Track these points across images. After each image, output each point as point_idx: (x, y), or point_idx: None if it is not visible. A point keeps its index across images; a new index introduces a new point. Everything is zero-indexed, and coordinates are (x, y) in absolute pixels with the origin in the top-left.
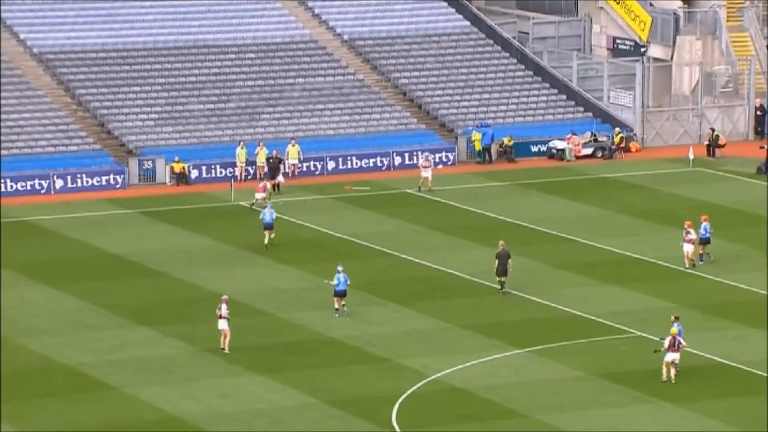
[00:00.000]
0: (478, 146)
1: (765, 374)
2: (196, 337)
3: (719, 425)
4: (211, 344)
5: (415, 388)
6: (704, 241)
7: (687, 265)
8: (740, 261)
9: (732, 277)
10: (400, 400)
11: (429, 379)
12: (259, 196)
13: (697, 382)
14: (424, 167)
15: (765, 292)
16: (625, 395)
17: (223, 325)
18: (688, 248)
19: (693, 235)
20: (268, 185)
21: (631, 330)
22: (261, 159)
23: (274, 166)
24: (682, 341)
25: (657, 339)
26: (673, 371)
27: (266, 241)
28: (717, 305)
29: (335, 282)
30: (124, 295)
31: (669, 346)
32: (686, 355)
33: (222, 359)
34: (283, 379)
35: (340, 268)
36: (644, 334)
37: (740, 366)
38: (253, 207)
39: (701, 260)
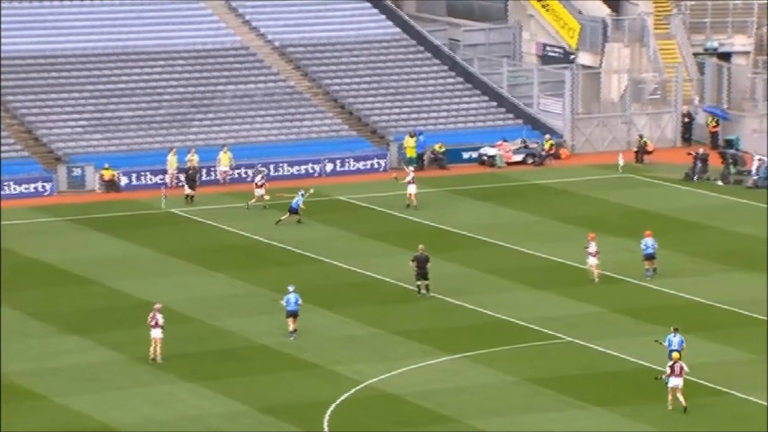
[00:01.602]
0: (410, 153)
1: (692, 378)
2: (128, 346)
3: (649, 429)
4: (142, 352)
5: (347, 394)
6: (648, 257)
7: (594, 278)
8: (669, 266)
9: (660, 283)
10: (332, 407)
11: (362, 385)
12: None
13: (628, 386)
14: (409, 183)
15: (693, 298)
16: (556, 400)
17: (156, 333)
18: (592, 261)
19: (593, 249)
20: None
21: (561, 335)
22: (192, 166)
23: (192, 176)
24: (684, 367)
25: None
26: (680, 397)
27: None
28: (646, 310)
29: (284, 302)
30: (55, 304)
31: (670, 371)
32: (616, 360)
33: (153, 367)
34: (215, 387)
35: (291, 288)
36: (574, 339)
37: (667, 370)
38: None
39: (648, 275)
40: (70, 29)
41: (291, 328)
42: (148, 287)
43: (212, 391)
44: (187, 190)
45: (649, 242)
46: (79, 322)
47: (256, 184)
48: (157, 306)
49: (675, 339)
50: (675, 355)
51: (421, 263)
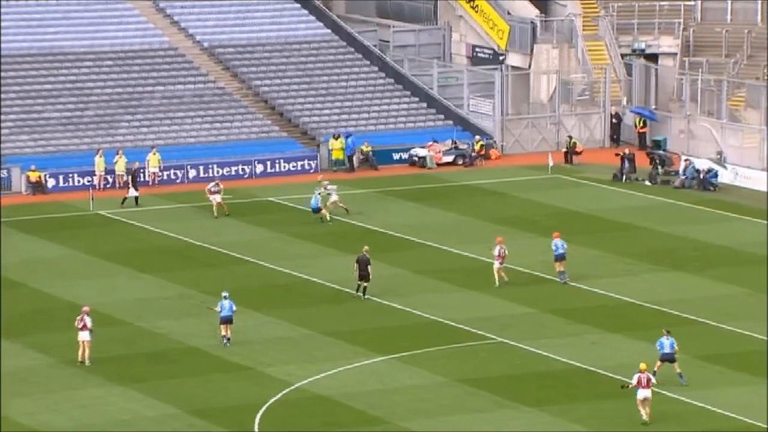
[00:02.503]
0: (336, 155)
1: (623, 378)
2: (56, 348)
3: (580, 428)
4: (71, 355)
5: (278, 396)
6: (559, 258)
7: (496, 283)
8: (598, 266)
9: (589, 283)
10: (263, 409)
11: (292, 387)
12: (217, 198)
13: (558, 386)
14: (213, 193)
15: (623, 298)
16: (488, 400)
17: (84, 336)
18: (495, 264)
19: (497, 251)
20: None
21: (492, 336)
22: (120, 167)
23: (134, 177)
24: (652, 378)
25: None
26: (647, 409)
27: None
28: (575, 310)
29: (218, 308)
30: None
31: (637, 382)
32: (547, 361)
33: (82, 370)
34: (145, 390)
35: (225, 294)
36: (505, 340)
37: (599, 370)
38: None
39: (560, 278)
40: None
41: (224, 333)
42: (76, 289)
43: (142, 393)
44: (133, 192)
45: (558, 243)
46: (5, 325)
47: (209, 191)
48: (86, 309)
49: (667, 342)
50: (642, 366)
51: (363, 265)
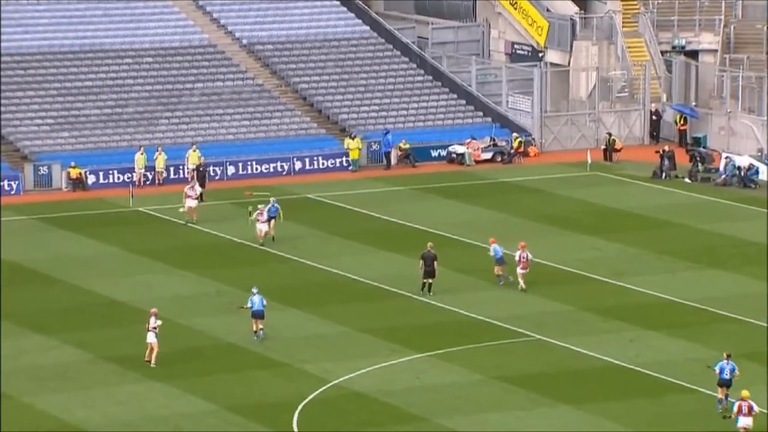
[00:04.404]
0: (353, 155)
1: (660, 375)
2: (94, 345)
3: (617, 426)
4: (109, 352)
5: (315, 393)
6: (499, 261)
7: (522, 286)
8: (637, 264)
9: (628, 280)
10: (300, 406)
11: (330, 384)
12: (191, 204)
13: (595, 383)
14: (189, 197)
15: (661, 296)
16: (524, 398)
17: (151, 338)
18: (518, 270)
19: (518, 256)
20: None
21: (529, 333)
22: (160, 164)
23: (202, 174)
24: (754, 406)
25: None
26: None
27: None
28: (613, 308)
29: (249, 305)
30: (20, 303)
31: (738, 410)
32: (584, 358)
33: (120, 366)
34: (182, 386)
35: (254, 290)
36: (542, 337)
37: (636, 368)
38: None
39: (500, 281)
40: (36, 27)
41: (255, 328)
42: (114, 286)
43: (180, 390)
44: (198, 189)
45: (496, 248)
46: (44, 321)
47: (185, 193)
48: (153, 311)
49: (727, 367)
50: (745, 393)
51: (429, 261)
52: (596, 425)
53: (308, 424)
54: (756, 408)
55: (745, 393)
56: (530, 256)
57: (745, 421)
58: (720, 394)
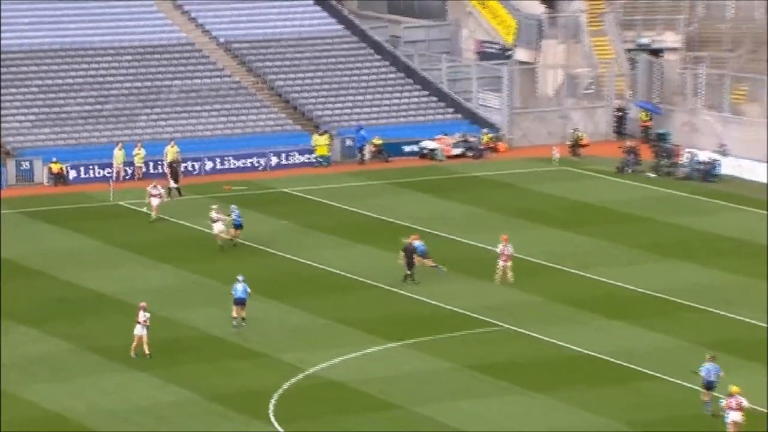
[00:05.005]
0: (320, 150)
1: (627, 364)
2: (79, 336)
3: (586, 413)
4: (93, 343)
5: (293, 381)
6: (422, 254)
7: (496, 280)
8: (604, 256)
9: (596, 272)
10: (278, 394)
11: (307, 373)
12: (156, 201)
13: (564, 372)
14: (152, 195)
15: (628, 287)
16: (495, 386)
17: (138, 330)
18: (500, 263)
19: (500, 249)
20: (162, 190)
21: (501, 323)
22: (139, 159)
23: (175, 169)
24: (743, 401)
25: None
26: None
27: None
28: (582, 299)
29: (232, 291)
30: (5, 296)
31: (727, 405)
32: (553, 347)
33: (104, 357)
34: (164, 376)
35: (239, 277)
36: (512, 327)
37: (604, 357)
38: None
39: (439, 270)
40: (18, 26)
41: (237, 315)
42: (98, 279)
43: (162, 380)
44: (172, 184)
45: (418, 243)
46: (29, 312)
47: (149, 192)
48: (142, 304)
49: (713, 370)
50: (734, 389)
51: (409, 254)
52: (566, 412)
53: (286, 411)
54: (745, 403)
55: (734, 389)
56: (511, 249)
57: (734, 416)
58: (705, 397)
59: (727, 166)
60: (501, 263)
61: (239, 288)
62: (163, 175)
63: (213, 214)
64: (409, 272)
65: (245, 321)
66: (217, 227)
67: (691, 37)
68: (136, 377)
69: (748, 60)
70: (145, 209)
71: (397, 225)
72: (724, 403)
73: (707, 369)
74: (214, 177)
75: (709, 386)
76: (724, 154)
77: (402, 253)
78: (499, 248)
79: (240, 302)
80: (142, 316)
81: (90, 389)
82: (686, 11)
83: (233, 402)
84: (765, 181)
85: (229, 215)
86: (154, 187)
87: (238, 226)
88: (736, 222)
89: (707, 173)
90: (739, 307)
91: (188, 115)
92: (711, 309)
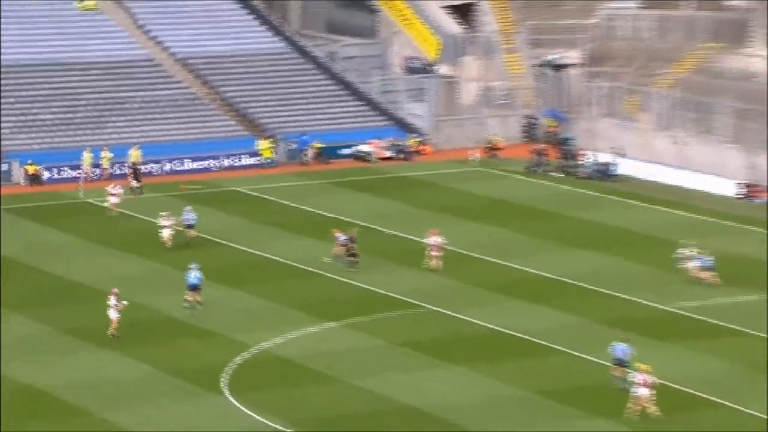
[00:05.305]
0: (265, 153)
1: (540, 341)
2: (55, 319)
3: (503, 385)
4: (68, 325)
5: (244, 358)
6: (346, 242)
7: (426, 264)
8: (517, 246)
9: (510, 260)
10: (231, 369)
11: (256, 350)
12: (114, 200)
13: (484, 348)
14: (112, 194)
15: (540, 273)
16: (424, 360)
17: (113, 314)
18: (432, 253)
19: (431, 241)
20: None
21: (428, 305)
22: (105, 162)
23: (136, 171)
24: (652, 378)
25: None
26: (652, 406)
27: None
28: (499, 284)
29: (186, 277)
30: None
31: (639, 381)
32: (473, 326)
33: (77, 338)
34: (130, 354)
35: (193, 265)
36: (438, 309)
37: (519, 335)
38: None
39: (343, 263)
40: None
41: (191, 299)
42: (69, 268)
43: (129, 357)
44: (134, 183)
45: (341, 237)
46: (9, 299)
47: (109, 192)
48: (114, 291)
49: (626, 349)
50: (644, 366)
51: (350, 243)
52: (485, 383)
53: (237, 384)
54: (654, 380)
55: (644, 366)
56: (440, 240)
57: (642, 392)
58: (616, 372)
59: (623, 167)
60: (432, 254)
61: (192, 275)
62: (126, 175)
63: (161, 221)
64: (351, 260)
65: (201, 304)
66: (166, 233)
67: (590, 55)
68: (106, 355)
69: (639, 74)
70: (111, 204)
71: (335, 220)
72: (637, 379)
73: (619, 348)
74: (172, 177)
75: (620, 363)
76: (620, 156)
77: (349, 245)
78: (430, 240)
79: (193, 288)
80: (114, 300)
81: (65, 367)
82: (586, 32)
83: (191, 376)
84: (656, 180)
85: (184, 216)
86: (114, 187)
87: (190, 227)
88: (631, 215)
89: (605, 173)
90: (633, 290)
91: (149, 122)
92: (610, 291)
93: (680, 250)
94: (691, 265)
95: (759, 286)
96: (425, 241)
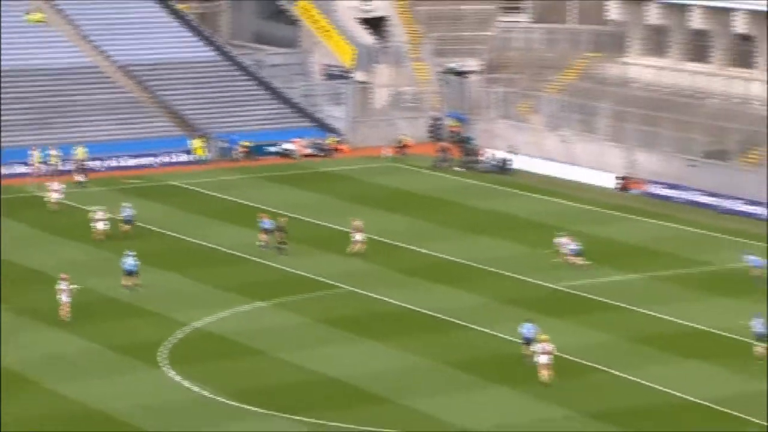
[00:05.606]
0: (197, 152)
1: (445, 317)
2: (11, 303)
3: (412, 356)
4: (21, 305)
5: (181, 335)
6: (266, 231)
7: (350, 249)
8: (424, 233)
9: (419, 245)
10: (170, 344)
11: (193, 327)
12: (55, 196)
13: (395, 324)
14: (53, 191)
15: (443, 256)
16: (342, 336)
17: (63, 297)
18: (357, 238)
19: (267, 224)
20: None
21: (345, 286)
22: (53, 159)
23: (82, 167)
24: (550, 347)
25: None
26: (548, 372)
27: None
28: (408, 267)
29: (122, 264)
30: None
31: (540, 351)
32: (384, 303)
33: (29, 319)
34: (76, 332)
35: (129, 252)
36: (354, 289)
37: (426, 311)
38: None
39: (263, 248)
40: None
41: (129, 283)
42: (23, 255)
43: (74, 335)
44: (80, 178)
45: (266, 222)
46: None
47: (49, 187)
48: (63, 276)
49: (532, 329)
50: (543, 337)
51: (280, 231)
52: (397, 356)
53: (176, 358)
54: (551, 347)
55: (543, 337)
56: (362, 227)
57: (543, 359)
58: (527, 350)
59: (517, 163)
60: (356, 237)
61: (128, 261)
62: (72, 172)
63: (96, 215)
64: (281, 247)
65: (140, 287)
66: (99, 226)
67: (488, 63)
68: (51, 335)
69: (531, 81)
70: (51, 199)
71: (262, 210)
72: (538, 348)
73: (527, 327)
74: (115, 173)
75: (528, 342)
76: (514, 153)
77: (277, 233)
78: (354, 227)
79: (129, 273)
80: (64, 285)
81: (14, 345)
82: (484, 42)
83: (133, 351)
84: (546, 173)
85: (122, 212)
86: (55, 184)
87: (128, 222)
88: (525, 205)
89: (502, 168)
90: (526, 271)
91: (93, 123)
92: (506, 273)
93: (556, 240)
94: (563, 250)
95: (633, 267)
96: (351, 228)
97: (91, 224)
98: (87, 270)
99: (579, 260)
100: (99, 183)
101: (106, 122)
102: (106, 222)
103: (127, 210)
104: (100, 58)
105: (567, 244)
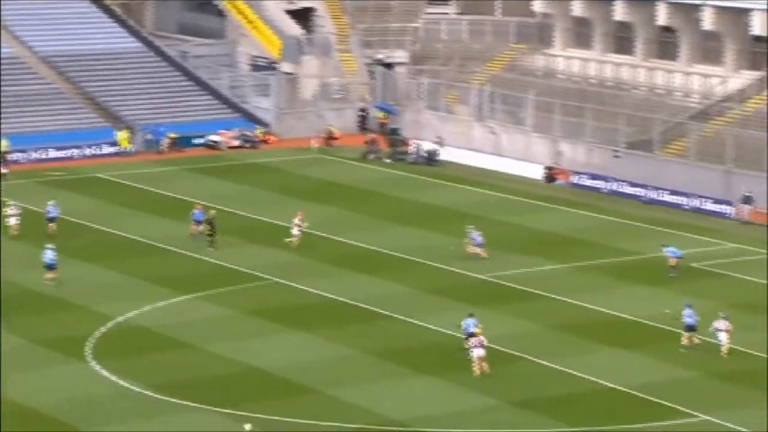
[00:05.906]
0: (122, 143)
1: (369, 307)
2: None
3: (340, 347)
4: None
5: (106, 328)
6: (197, 222)
7: (288, 240)
8: (351, 224)
9: (345, 236)
10: (94, 338)
11: (117, 320)
12: None
13: (323, 315)
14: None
15: (370, 247)
16: (270, 328)
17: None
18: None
19: (197, 215)
20: None
21: (272, 278)
22: None
23: (4, 159)
24: (483, 340)
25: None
26: (484, 365)
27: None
28: (333, 257)
29: (42, 258)
30: None
31: (473, 345)
32: (312, 295)
33: None
34: (3, 327)
35: (49, 246)
36: (280, 281)
37: (352, 302)
38: None
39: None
40: None
41: (49, 277)
42: None
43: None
44: (3, 170)
45: (198, 213)
46: None
47: None
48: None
49: (471, 323)
50: (477, 331)
51: (212, 223)
52: (326, 347)
53: (100, 351)
54: (484, 341)
55: (477, 331)
56: (301, 221)
57: (478, 352)
58: (467, 344)
59: (444, 154)
60: (295, 232)
61: (48, 256)
62: None
63: (8, 210)
64: (210, 239)
65: (55, 281)
66: (12, 221)
67: (415, 54)
68: None
69: (458, 72)
70: None
71: (190, 202)
72: (473, 342)
73: (468, 323)
74: (38, 165)
75: (471, 336)
76: (441, 144)
77: (206, 225)
78: (295, 221)
79: (50, 267)
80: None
81: None
82: (411, 34)
83: (59, 345)
84: (473, 164)
85: (47, 210)
86: None
87: (52, 220)
88: (451, 196)
89: (430, 159)
90: (452, 261)
91: (16, 114)
92: (433, 263)
93: (467, 234)
94: (467, 241)
95: (559, 257)
96: (293, 221)
97: (5, 220)
98: (9, 263)
99: (480, 251)
100: (21, 176)
101: (28, 114)
102: (18, 217)
103: (51, 208)
104: (22, 48)
105: (473, 235)
